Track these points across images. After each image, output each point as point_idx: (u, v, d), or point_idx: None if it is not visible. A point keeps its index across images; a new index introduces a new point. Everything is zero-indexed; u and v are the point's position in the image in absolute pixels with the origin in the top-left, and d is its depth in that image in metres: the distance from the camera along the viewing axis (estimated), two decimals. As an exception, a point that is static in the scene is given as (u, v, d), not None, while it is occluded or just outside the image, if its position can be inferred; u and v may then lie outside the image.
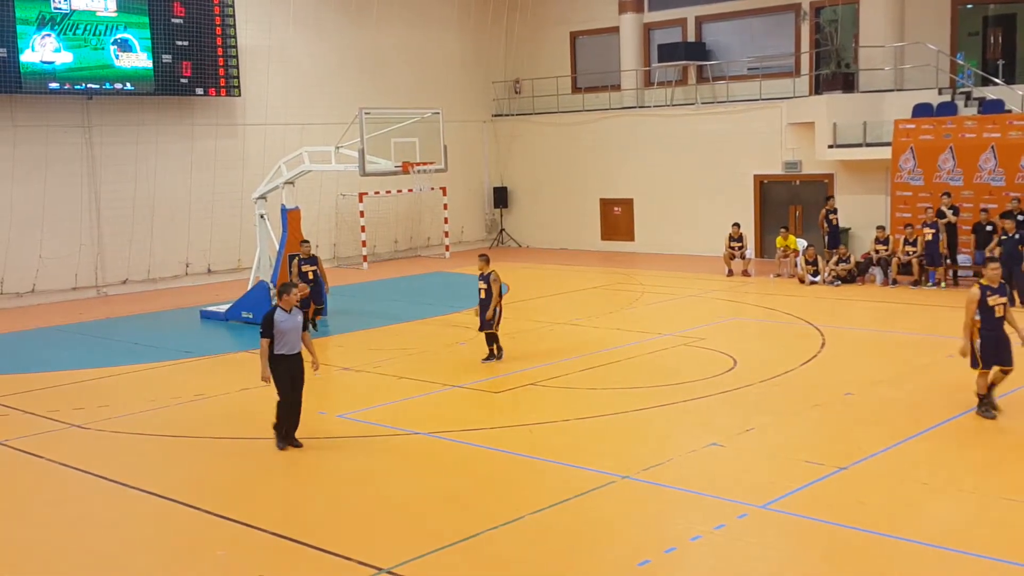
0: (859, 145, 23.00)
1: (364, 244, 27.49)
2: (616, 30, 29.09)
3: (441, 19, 29.89)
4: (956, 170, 20.89)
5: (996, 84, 22.10)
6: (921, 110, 22.45)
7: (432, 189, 28.75)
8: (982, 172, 20.59)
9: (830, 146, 23.41)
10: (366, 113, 17.93)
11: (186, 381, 14.40)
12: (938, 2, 24.04)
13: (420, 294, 22.43)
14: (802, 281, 21.20)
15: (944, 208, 20.06)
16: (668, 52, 27.59)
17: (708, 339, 15.77)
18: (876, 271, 20.84)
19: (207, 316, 19.56)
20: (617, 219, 29.05)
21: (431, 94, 27.99)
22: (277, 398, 10.60)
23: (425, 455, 10.61)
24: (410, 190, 28.55)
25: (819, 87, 24.93)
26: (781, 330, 16.71)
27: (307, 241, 18.01)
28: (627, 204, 28.75)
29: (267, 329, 10.34)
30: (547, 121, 30.15)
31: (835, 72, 24.26)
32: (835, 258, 21.28)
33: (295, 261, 17.46)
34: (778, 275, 22.26)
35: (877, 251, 20.85)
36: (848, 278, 20.93)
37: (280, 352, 10.40)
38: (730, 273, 22.75)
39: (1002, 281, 11.16)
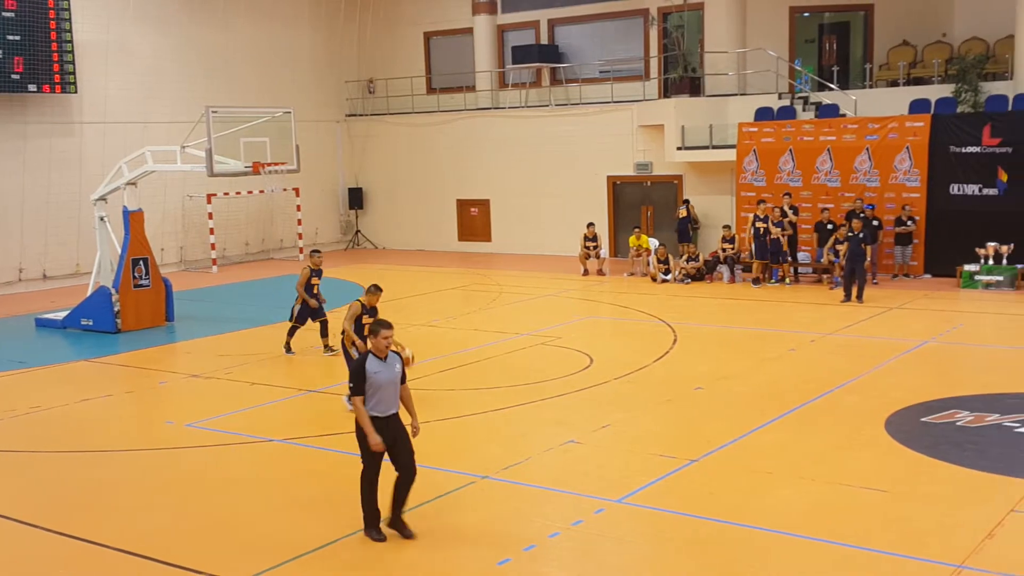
0: (706, 147, 23.77)
1: (213, 247, 26.60)
2: (470, 31, 29.16)
3: (291, 16, 29.24)
4: (796, 171, 21.88)
5: (831, 89, 23.25)
6: (763, 114, 23.40)
7: (284, 190, 28.10)
8: (819, 173, 21.63)
9: (679, 148, 24.10)
10: (213, 112, 17.35)
11: (21, 393, 13.55)
12: (777, 11, 25.12)
13: (273, 297, 21.84)
14: (654, 279, 21.76)
15: (785, 208, 20.93)
16: (522, 54, 27.84)
17: (564, 338, 15.96)
18: (723, 269, 21.58)
19: (43, 324, 18.51)
20: (474, 220, 29.12)
21: (282, 93, 27.37)
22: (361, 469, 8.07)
23: (279, 462, 10.32)
24: (261, 191, 27.82)
25: (668, 90, 25.64)
26: (635, 328, 17.08)
27: (319, 251, 15.75)
28: (484, 205, 28.85)
29: (359, 383, 7.82)
30: (402, 121, 29.94)
31: (682, 76, 25.01)
32: (685, 256, 21.95)
33: (304, 273, 15.11)
34: (631, 274, 22.77)
35: (724, 250, 21.60)
36: (697, 276, 21.61)
37: (373, 413, 7.87)
38: (585, 272, 23.13)
39: None
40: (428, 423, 11.35)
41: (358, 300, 12.04)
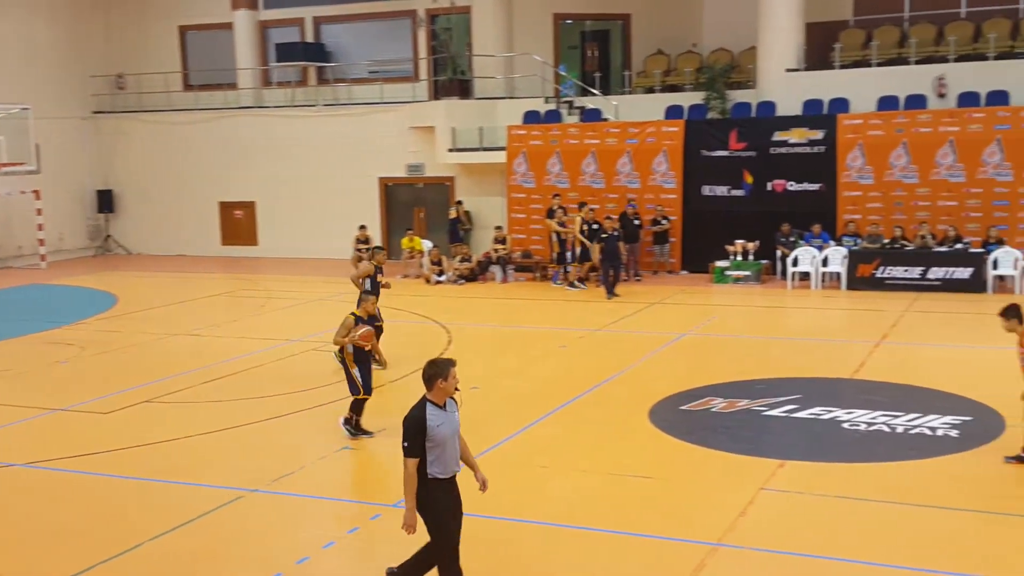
0: (476, 149, 23.98)
1: (-59, 256, 24.05)
2: (230, 26, 27.98)
3: (27, 3, 26.88)
4: (563, 173, 22.45)
5: (594, 95, 24.06)
6: (530, 117, 23.85)
7: (23, 192, 25.74)
8: (585, 175, 22.30)
9: (450, 150, 24.17)
10: (-64, 104, 15.66)
11: None
12: (541, 17, 25.71)
13: (11, 309, 20.01)
14: (428, 281, 21.68)
15: (554, 208, 21.40)
16: (286, 52, 27.01)
17: (337, 342, 15.51)
18: (496, 269, 21.83)
19: None
20: (238, 223, 27.93)
21: (18, 88, 25.02)
22: (437, 544, 6.66)
23: (24, 489, 9.36)
24: (-3, 194, 25.43)
25: (438, 92, 25.67)
26: (409, 329, 16.89)
27: (381, 247, 14.24)
28: (249, 207, 27.74)
29: (416, 443, 6.28)
30: (157, 120, 28.28)
31: (452, 78, 25.11)
32: (458, 258, 22.03)
33: (365, 268, 13.35)
34: (405, 276, 22.57)
35: (496, 250, 21.84)
36: (471, 277, 21.73)
37: (433, 474, 6.36)
38: (357, 275, 22.69)
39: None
40: (191, 437, 10.71)
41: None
